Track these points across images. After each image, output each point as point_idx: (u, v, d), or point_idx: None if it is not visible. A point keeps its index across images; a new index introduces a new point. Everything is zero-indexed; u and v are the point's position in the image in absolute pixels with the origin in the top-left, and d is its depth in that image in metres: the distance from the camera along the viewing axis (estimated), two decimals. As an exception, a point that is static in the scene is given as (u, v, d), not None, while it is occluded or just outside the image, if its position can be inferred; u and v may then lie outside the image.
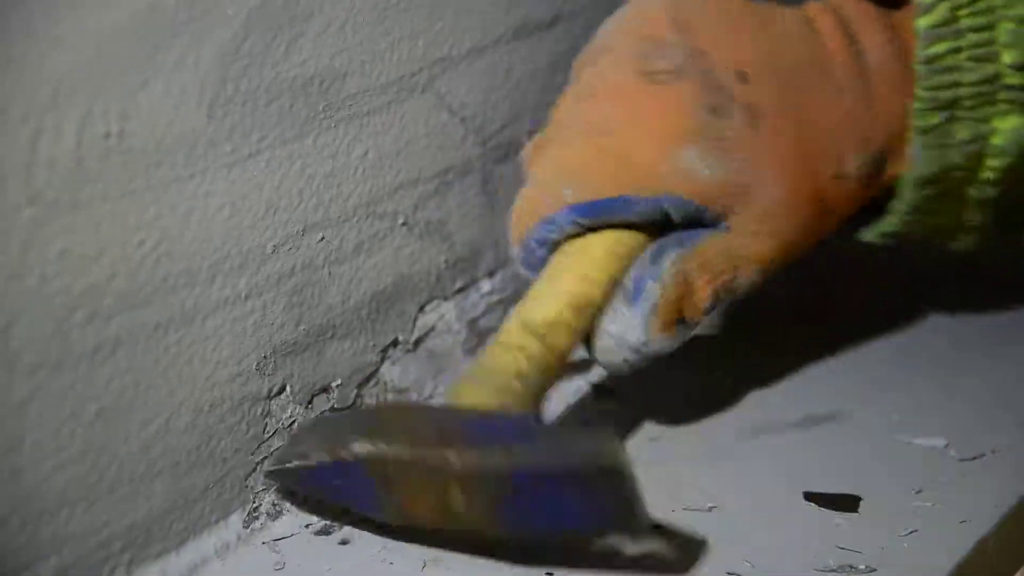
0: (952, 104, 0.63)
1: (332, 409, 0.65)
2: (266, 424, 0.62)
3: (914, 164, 0.65)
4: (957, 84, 0.63)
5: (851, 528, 0.60)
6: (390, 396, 0.68)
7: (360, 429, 0.58)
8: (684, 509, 0.61)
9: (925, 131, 0.64)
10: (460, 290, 0.71)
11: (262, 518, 0.62)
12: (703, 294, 0.63)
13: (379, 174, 0.65)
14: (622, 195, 0.63)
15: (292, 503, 0.62)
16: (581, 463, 0.54)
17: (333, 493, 0.60)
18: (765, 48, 0.63)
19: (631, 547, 0.56)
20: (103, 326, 0.55)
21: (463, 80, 0.68)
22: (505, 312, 0.74)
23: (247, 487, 0.62)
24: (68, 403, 0.54)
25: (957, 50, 0.63)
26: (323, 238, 0.63)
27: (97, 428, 0.55)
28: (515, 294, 0.74)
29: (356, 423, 0.59)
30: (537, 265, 0.65)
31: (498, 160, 0.71)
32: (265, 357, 0.62)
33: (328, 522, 0.62)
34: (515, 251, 0.66)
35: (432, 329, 0.70)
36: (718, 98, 0.62)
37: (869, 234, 0.68)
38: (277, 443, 0.63)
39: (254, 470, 0.62)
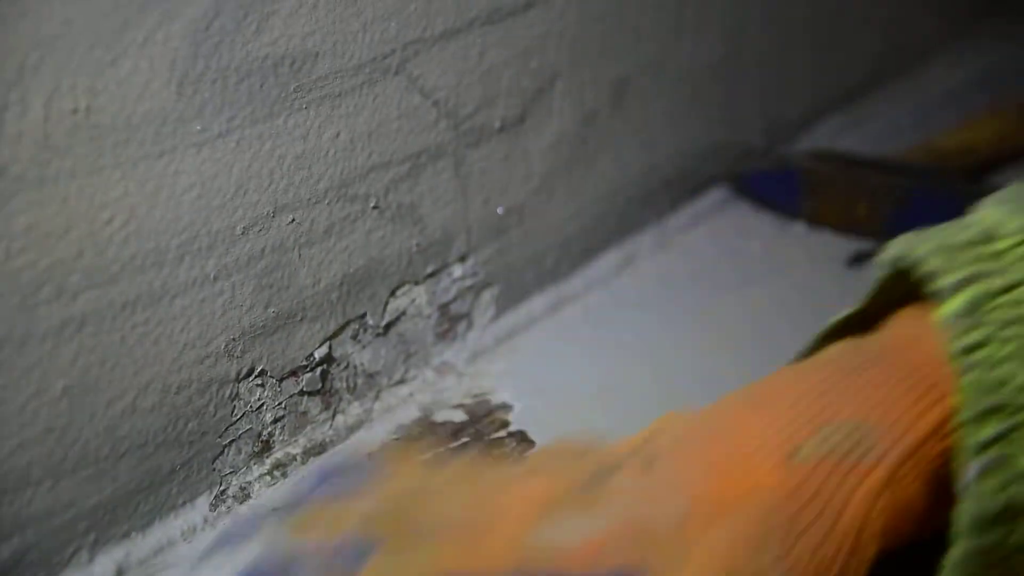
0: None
1: (301, 392, 0.65)
2: (234, 407, 0.62)
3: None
4: None
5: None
6: (360, 380, 0.68)
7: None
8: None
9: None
10: (431, 274, 0.71)
11: (229, 501, 0.62)
12: None
13: (350, 156, 0.65)
14: None
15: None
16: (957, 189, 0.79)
17: (769, 194, 0.86)
18: None
19: None
20: (69, 303, 0.54)
21: (436, 63, 0.67)
22: (477, 297, 0.74)
23: (214, 470, 0.62)
24: (33, 380, 0.53)
25: None
26: (293, 220, 0.63)
27: (62, 406, 0.55)
28: (487, 278, 0.74)
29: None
30: None
31: (470, 144, 0.71)
32: (234, 339, 0.61)
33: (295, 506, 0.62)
34: None
35: (403, 313, 0.70)
36: None
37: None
38: (245, 426, 0.63)
39: (222, 452, 0.62)
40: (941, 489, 0.50)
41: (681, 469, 0.49)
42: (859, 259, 0.80)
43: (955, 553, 0.48)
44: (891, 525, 0.50)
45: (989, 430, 0.48)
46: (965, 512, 0.48)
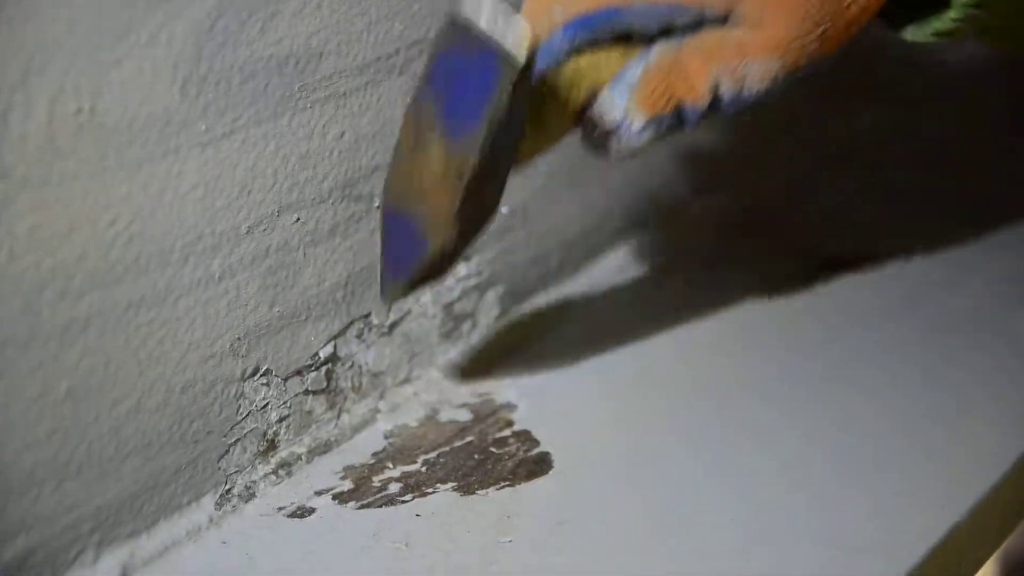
0: None
1: (306, 391, 0.65)
2: (239, 406, 0.62)
3: None
4: None
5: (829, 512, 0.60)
6: (364, 380, 0.68)
7: None
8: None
9: None
10: (436, 274, 0.71)
11: (234, 500, 0.62)
12: (700, 76, 0.61)
13: (355, 156, 0.65)
14: (611, 5, 0.60)
15: None
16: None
17: None
18: None
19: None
20: (73, 304, 0.54)
21: (440, 62, 0.67)
22: (481, 296, 0.74)
23: (220, 469, 0.62)
24: (37, 382, 0.53)
25: None
26: (298, 219, 0.63)
27: (67, 407, 0.55)
28: (491, 278, 0.74)
29: None
30: None
31: (475, 143, 0.71)
32: (239, 339, 0.62)
33: (301, 505, 0.62)
34: None
35: (408, 312, 0.70)
36: None
37: (918, 33, 0.65)
38: (250, 425, 0.63)
39: (227, 452, 0.62)
40: None
41: None
42: None
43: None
44: None
45: None
46: None
